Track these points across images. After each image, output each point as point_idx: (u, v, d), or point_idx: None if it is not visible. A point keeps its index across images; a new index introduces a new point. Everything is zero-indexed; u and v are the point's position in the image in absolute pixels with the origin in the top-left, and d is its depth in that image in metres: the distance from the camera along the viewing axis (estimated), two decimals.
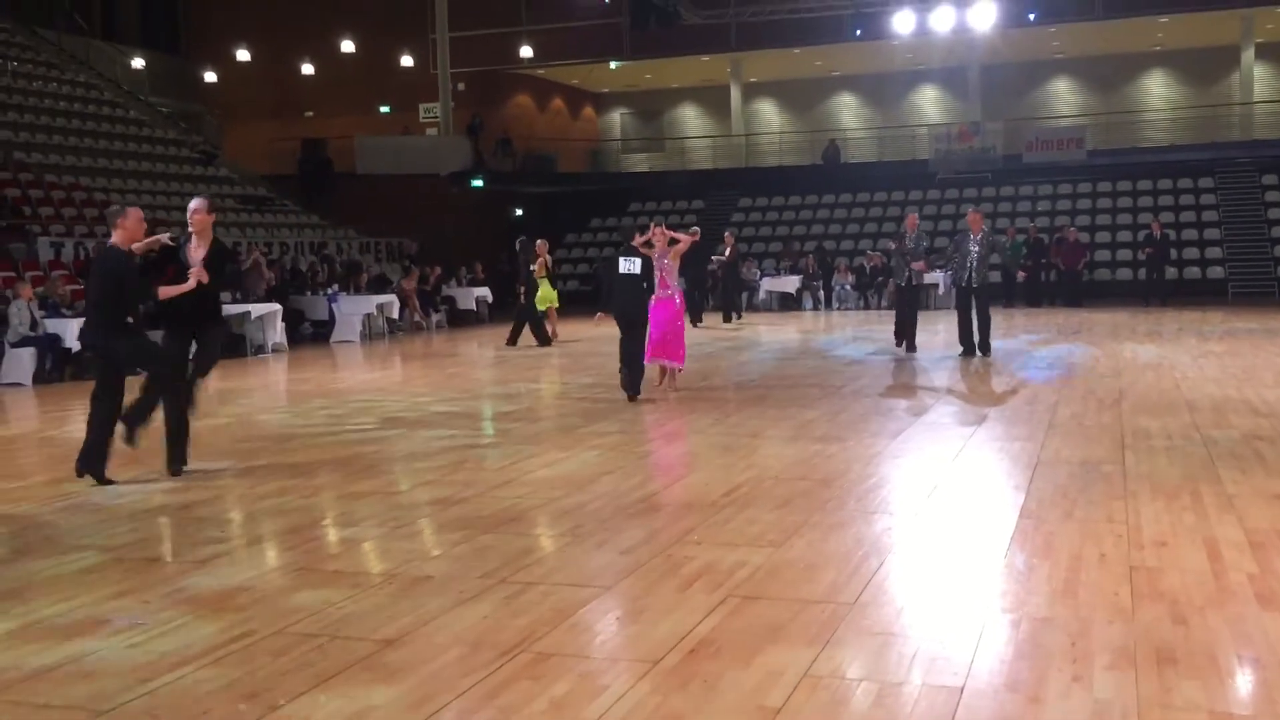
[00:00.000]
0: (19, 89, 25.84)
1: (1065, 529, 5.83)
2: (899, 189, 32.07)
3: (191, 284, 7.72)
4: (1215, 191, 29.30)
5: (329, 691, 3.94)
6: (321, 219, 28.61)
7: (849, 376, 12.96)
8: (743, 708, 3.73)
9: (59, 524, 6.65)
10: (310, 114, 34.90)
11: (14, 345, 14.77)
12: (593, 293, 28.78)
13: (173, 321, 8.22)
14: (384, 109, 34.82)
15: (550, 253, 19.30)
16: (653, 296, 11.16)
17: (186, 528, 6.51)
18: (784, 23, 31.23)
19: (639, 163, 38.62)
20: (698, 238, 12.47)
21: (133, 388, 7.83)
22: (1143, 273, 25.64)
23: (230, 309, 18.38)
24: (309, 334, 20.91)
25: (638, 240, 11.34)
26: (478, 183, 31.59)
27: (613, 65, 34.38)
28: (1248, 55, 31.30)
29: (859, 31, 30.16)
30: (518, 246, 19.14)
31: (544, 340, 18.36)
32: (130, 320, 7.63)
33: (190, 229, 8.13)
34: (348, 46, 33.10)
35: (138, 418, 7.83)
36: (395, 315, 22.14)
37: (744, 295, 25.55)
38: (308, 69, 34.50)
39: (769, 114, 38.17)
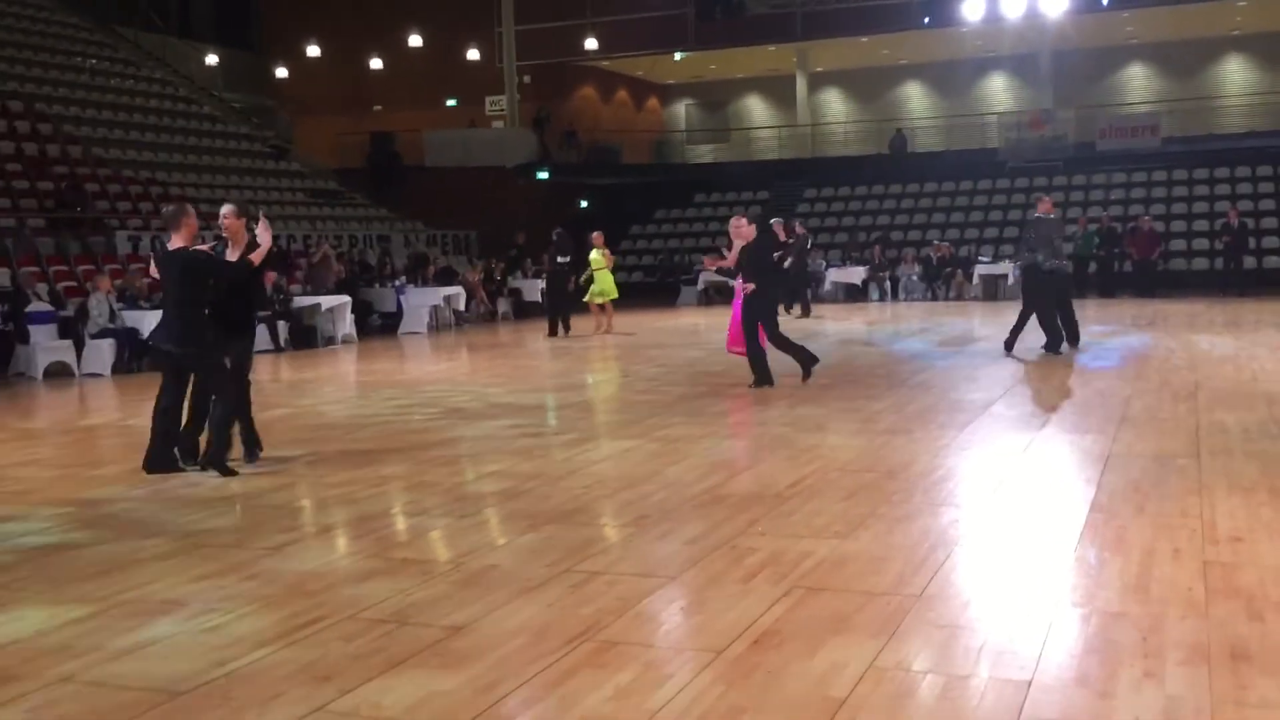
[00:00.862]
0: (97, 86, 26.48)
1: (1137, 523, 5.73)
2: (967, 179, 31.63)
3: (268, 239, 7.93)
4: None
5: (398, 676, 4.01)
6: (390, 212, 28.96)
7: (915, 368, 12.84)
8: (807, 699, 3.73)
9: (138, 510, 6.83)
10: (379, 108, 35.35)
11: (94, 337, 15.16)
12: (660, 285, 28.86)
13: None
14: (451, 102, 35.16)
15: (610, 244, 19.39)
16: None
17: (260, 515, 6.65)
18: (851, 11, 30.97)
19: (704, 154, 38.55)
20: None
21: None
22: (1219, 262, 25.04)
23: (301, 301, 18.73)
24: (377, 325, 21.18)
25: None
26: (543, 175, 31.76)
27: (678, 56, 34.35)
28: None
29: (927, 19, 29.81)
30: (554, 238, 19.33)
31: (553, 330, 18.73)
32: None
33: (224, 235, 8.17)
34: (415, 41, 33.44)
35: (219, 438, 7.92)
36: (462, 307, 22.36)
37: (810, 288, 25.34)
38: (376, 64, 34.95)
39: (835, 103, 37.88)
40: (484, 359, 16.33)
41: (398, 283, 22.07)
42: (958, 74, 35.45)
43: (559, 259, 19.18)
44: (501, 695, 3.83)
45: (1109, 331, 16.70)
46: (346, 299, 19.34)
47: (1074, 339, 13.70)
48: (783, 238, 19.14)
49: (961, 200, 31.21)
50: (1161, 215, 28.05)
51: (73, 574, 5.45)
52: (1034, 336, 13.42)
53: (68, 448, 9.65)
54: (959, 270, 26.03)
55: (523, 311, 24.59)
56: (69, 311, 15.83)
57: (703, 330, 19.16)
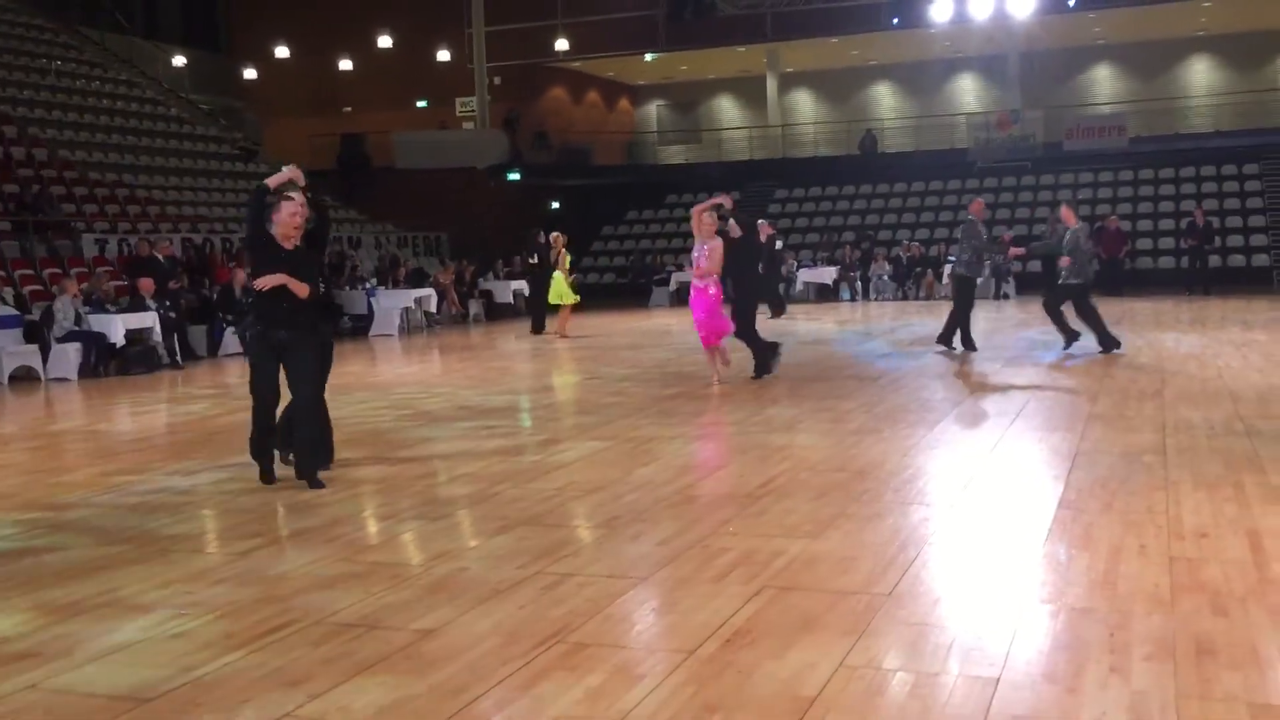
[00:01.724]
0: (63, 87, 26.23)
1: (1105, 520, 5.78)
2: (937, 179, 31.84)
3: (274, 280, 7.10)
4: (1260, 178, 28.85)
5: (368, 680, 3.99)
6: (360, 214, 28.84)
7: (885, 368, 12.91)
8: (778, 698, 3.74)
9: (105, 516, 6.76)
10: (349, 109, 35.18)
11: (59, 341, 15.01)
12: (632, 286, 28.89)
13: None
14: (421, 104, 35.04)
15: (573, 246, 19.44)
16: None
17: (228, 519, 6.61)
18: (820, 12, 31.09)
19: (675, 154, 38.59)
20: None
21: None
22: (1185, 261, 25.31)
23: None
24: (348, 328, 21.08)
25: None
26: (514, 176, 31.70)
27: (648, 57, 34.38)
28: None
29: (896, 20, 29.96)
30: (539, 239, 19.46)
31: (538, 328, 19.09)
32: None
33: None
34: (385, 42, 33.32)
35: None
36: (433, 309, 22.28)
37: (782, 287, 25.43)
38: (346, 65, 34.79)
39: (805, 104, 38.02)
40: (455, 361, 16.28)
41: (368, 285, 21.97)
42: (927, 75, 35.67)
43: (531, 260, 19.31)
44: (472, 698, 3.81)
45: (1077, 330, 16.79)
46: None
47: (965, 342, 13.92)
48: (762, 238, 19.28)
49: (931, 200, 31.40)
50: (1128, 214, 28.33)
51: (39, 580, 5.39)
52: (1003, 337, 13.50)
53: (34, 453, 9.55)
54: (929, 270, 26.18)
55: (494, 313, 24.55)
56: (34, 315, 15.68)
57: (674, 331, 19.17)
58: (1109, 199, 29.56)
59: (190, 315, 17.73)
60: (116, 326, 15.38)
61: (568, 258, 18.98)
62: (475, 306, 24.32)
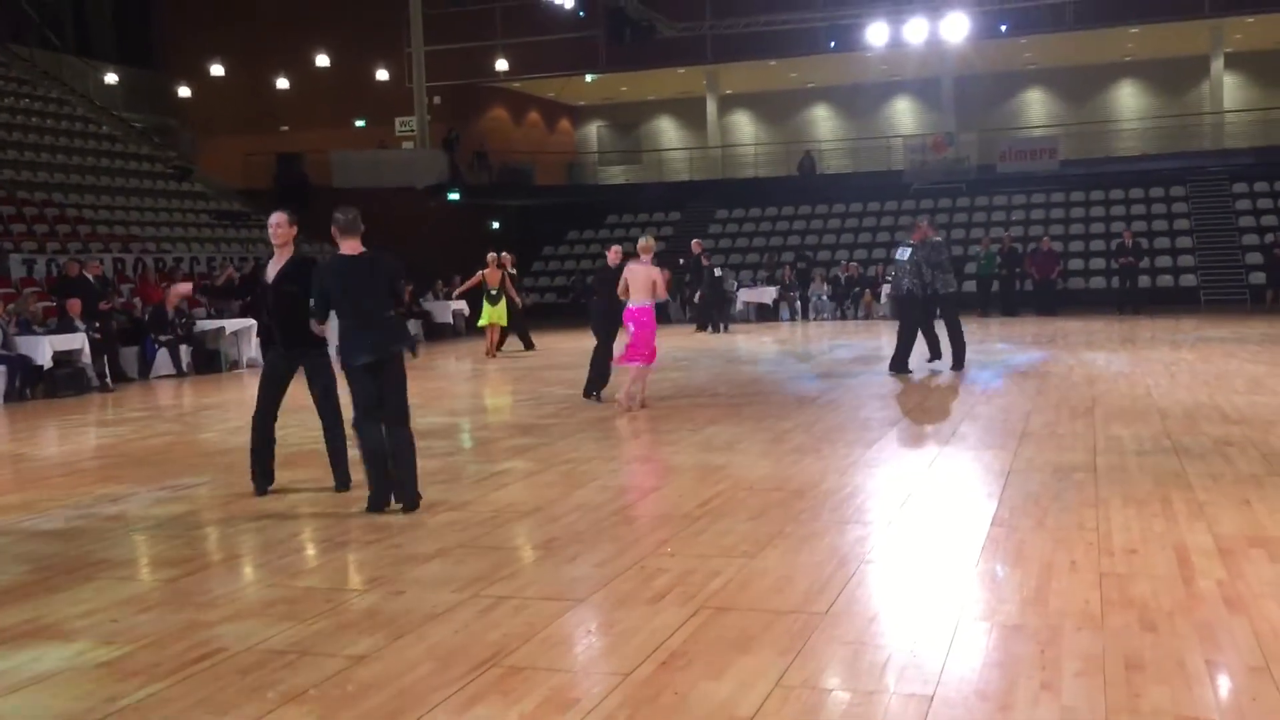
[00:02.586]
0: None
1: (1037, 537, 5.86)
2: (874, 200, 32.26)
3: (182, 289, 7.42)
4: (1187, 200, 29.59)
5: (298, 708, 3.91)
6: (298, 234, 28.49)
7: (824, 387, 13.00)
8: (714, 719, 3.73)
9: (27, 542, 6.59)
10: (285, 128, 34.81)
11: None
12: (573, 306, 28.86)
13: (266, 346, 7.76)
14: (359, 123, 34.78)
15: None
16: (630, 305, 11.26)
17: (158, 544, 6.47)
18: (759, 35, 31.39)
19: (616, 175, 38.72)
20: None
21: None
22: (1116, 281, 25.84)
23: (204, 324, 18.34)
24: None
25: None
26: (454, 196, 31.57)
27: (589, 78, 34.47)
28: (1217, 65, 31.67)
29: (833, 43, 30.31)
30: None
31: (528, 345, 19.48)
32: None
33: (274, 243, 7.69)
34: (322, 61, 33.07)
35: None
36: None
37: (723, 307, 25.57)
38: (282, 83, 34.45)
39: (745, 126, 38.34)
40: None
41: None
42: (863, 98, 36.15)
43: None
44: None
45: (1011, 349, 17.09)
46: (251, 323, 18.95)
47: (907, 362, 14.00)
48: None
49: (869, 221, 31.79)
50: (1060, 235, 28.88)
51: None
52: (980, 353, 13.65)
53: None
54: (867, 290, 26.47)
55: (433, 333, 24.37)
56: None
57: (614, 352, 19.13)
58: (1042, 220, 30.12)
59: (121, 336, 17.39)
60: (44, 348, 15.02)
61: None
62: (415, 327, 24.12)
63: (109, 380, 16.01)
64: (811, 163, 33.87)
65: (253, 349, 18.76)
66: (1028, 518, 6.27)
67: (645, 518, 6.68)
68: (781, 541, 5.93)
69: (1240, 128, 31.75)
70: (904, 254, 13.82)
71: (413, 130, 32.70)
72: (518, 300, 19.45)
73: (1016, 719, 3.66)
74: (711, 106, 36.00)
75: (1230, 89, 32.60)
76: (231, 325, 18.46)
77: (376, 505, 6.92)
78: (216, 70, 34.13)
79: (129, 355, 17.31)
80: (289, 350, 7.47)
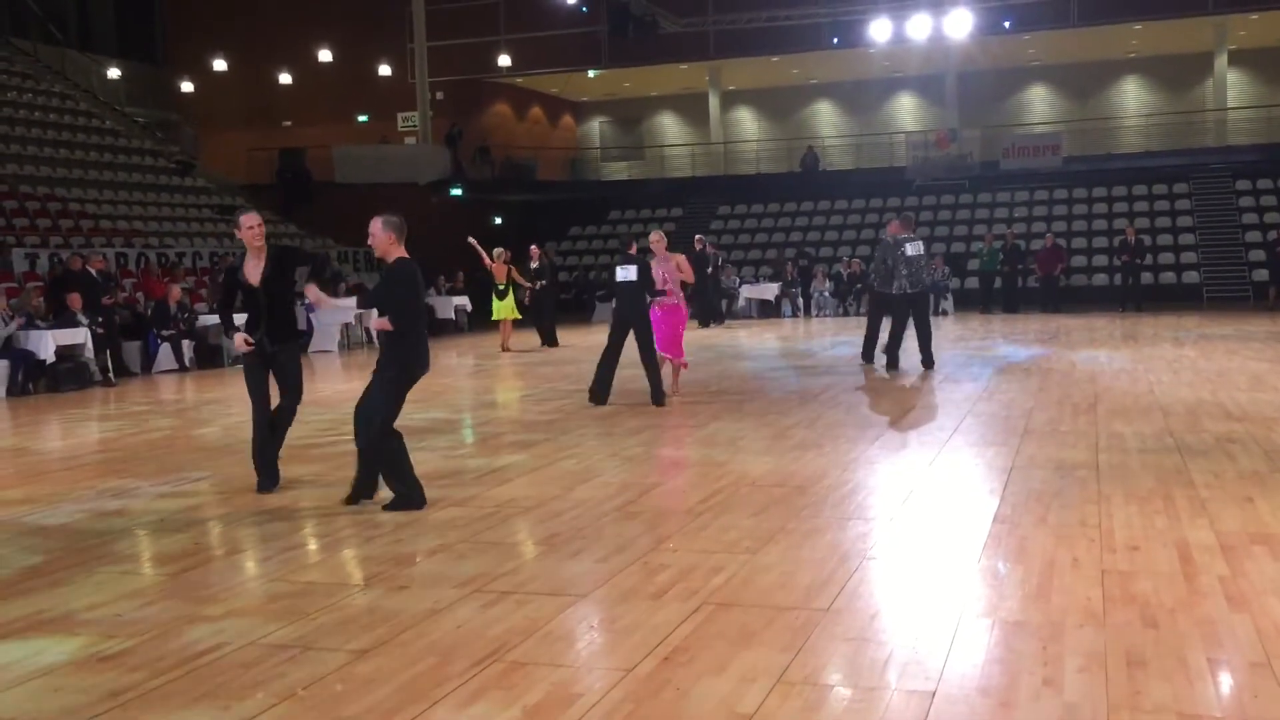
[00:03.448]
0: None
1: (1039, 534, 5.86)
2: (877, 196, 32.23)
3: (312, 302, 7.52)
4: (1190, 197, 29.56)
5: (300, 703, 3.92)
6: (300, 229, 28.53)
7: (826, 384, 13.00)
8: (715, 715, 3.74)
9: (32, 535, 6.60)
10: (288, 123, 34.83)
11: None
12: (576, 301, 28.87)
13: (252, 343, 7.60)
14: (362, 118, 34.79)
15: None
16: (656, 302, 11.34)
17: (161, 538, 6.48)
18: (762, 31, 31.37)
19: (618, 171, 38.70)
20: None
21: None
22: (1118, 278, 25.83)
23: (207, 319, 18.34)
24: None
25: (633, 249, 11.40)
26: (457, 192, 31.57)
27: (591, 74, 34.45)
28: (1221, 62, 31.62)
29: (836, 39, 30.32)
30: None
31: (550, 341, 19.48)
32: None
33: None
34: (325, 56, 33.05)
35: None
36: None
37: (724, 302, 25.61)
38: (285, 78, 34.45)
39: (747, 122, 38.31)
40: None
41: (307, 300, 21.70)
42: (866, 94, 36.12)
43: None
44: (408, 719, 3.76)
45: (1014, 346, 17.08)
46: None
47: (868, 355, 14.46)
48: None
49: (871, 217, 31.75)
50: (1063, 232, 28.86)
51: None
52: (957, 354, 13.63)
53: None
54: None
55: (436, 329, 24.38)
56: None
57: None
58: (1044, 217, 30.09)
59: (124, 331, 17.40)
60: (46, 342, 15.04)
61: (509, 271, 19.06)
62: None
63: (111, 375, 16.04)
64: (814, 159, 33.84)
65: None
66: (1030, 514, 6.27)
67: (647, 513, 6.68)
68: (784, 537, 5.93)
69: (1243, 125, 31.71)
70: (917, 249, 13.79)
71: (415, 126, 32.71)
72: (525, 284, 19.35)
73: (1018, 716, 3.66)
74: (714, 102, 35.97)
75: (1234, 86, 32.57)
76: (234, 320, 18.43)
77: (418, 502, 6.89)
78: (219, 65, 34.13)
79: (131, 350, 17.34)
80: (274, 345, 7.53)
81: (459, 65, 32.60)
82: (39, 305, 16.11)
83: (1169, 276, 27.43)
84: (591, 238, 33.80)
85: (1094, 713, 3.65)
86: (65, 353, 15.41)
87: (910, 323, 13.97)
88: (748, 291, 27.07)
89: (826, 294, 26.74)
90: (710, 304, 23.86)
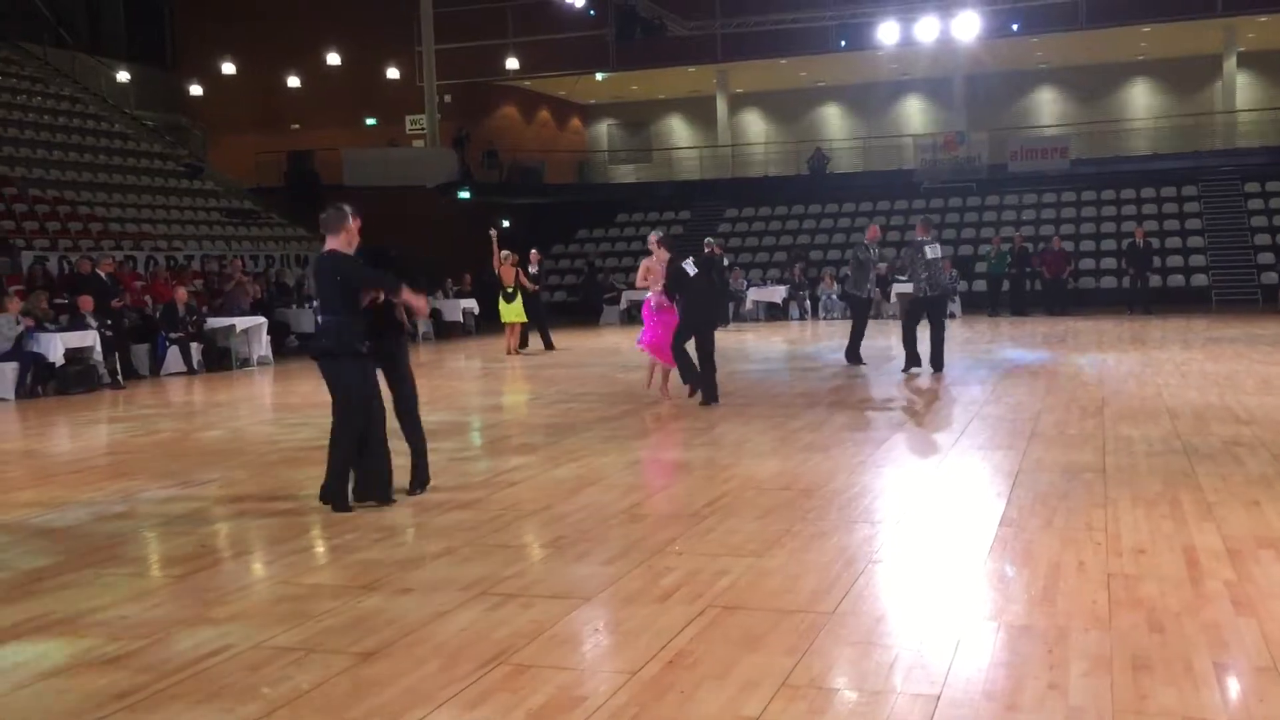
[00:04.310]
0: (3, 103, 25.80)
1: (1045, 537, 5.85)
2: (884, 199, 32.21)
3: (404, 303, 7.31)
4: (1198, 200, 29.48)
5: (305, 706, 3.93)
6: (307, 231, 28.58)
7: (833, 386, 12.99)
8: (720, 718, 3.74)
9: (39, 538, 6.62)
10: (296, 127, 34.91)
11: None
12: (583, 304, 28.88)
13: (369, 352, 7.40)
14: (370, 121, 34.86)
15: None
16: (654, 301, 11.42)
17: (168, 541, 6.49)
18: (769, 33, 31.38)
19: (626, 173, 38.72)
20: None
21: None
22: (1126, 281, 25.76)
23: (215, 322, 18.39)
24: (294, 347, 20.86)
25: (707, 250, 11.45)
26: (465, 194, 31.61)
27: (599, 77, 34.47)
28: (1230, 64, 31.54)
29: (844, 42, 30.31)
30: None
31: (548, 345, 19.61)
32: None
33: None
34: (333, 59, 33.14)
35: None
36: None
37: (731, 305, 25.59)
38: (294, 82, 34.54)
39: (755, 124, 38.31)
40: None
41: (315, 303, 21.74)
42: (874, 97, 36.08)
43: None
44: None
45: (1021, 348, 17.05)
46: (262, 320, 19.03)
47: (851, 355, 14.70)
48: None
49: (879, 220, 31.67)
50: (1071, 235, 28.81)
51: None
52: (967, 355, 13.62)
53: None
54: (877, 289, 26.37)
55: (443, 331, 24.41)
56: None
57: (624, 350, 19.16)
58: (1052, 219, 30.05)
59: (132, 333, 17.45)
60: (55, 345, 15.09)
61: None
62: (424, 325, 24.15)
63: (120, 377, 16.07)
64: (822, 161, 33.81)
65: (263, 347, 18.82)
66: (1036, 518, 6.26)
67: (653, 516, 6.68)
68: (789, 541, 5.93)
69: (1252, 127, 31.62)
70: (936, 252, 13.78)
71: (423, 129, 32.76)
72: (528, 286, 19.35)
73: (1023, 719, 3.65)
74: (722, 105, 35.97)
75: (1242, 88, 32.47)
76: (242, 323, 18.51)
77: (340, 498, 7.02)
78: (228, 69, 34.24)
79: (140, 352, 17.37)
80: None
81: (467, 68, 32.65)
82: (47, 308, 16.14)
83: (1177, 279, 27.36)
84: (599, 240, 33.82)
85: (1099, 717, 3.65)
86: (74, 355, 15.46)
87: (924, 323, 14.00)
88: (755, 294, 27.05)
89: (833, 297, 26.70)
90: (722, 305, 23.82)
